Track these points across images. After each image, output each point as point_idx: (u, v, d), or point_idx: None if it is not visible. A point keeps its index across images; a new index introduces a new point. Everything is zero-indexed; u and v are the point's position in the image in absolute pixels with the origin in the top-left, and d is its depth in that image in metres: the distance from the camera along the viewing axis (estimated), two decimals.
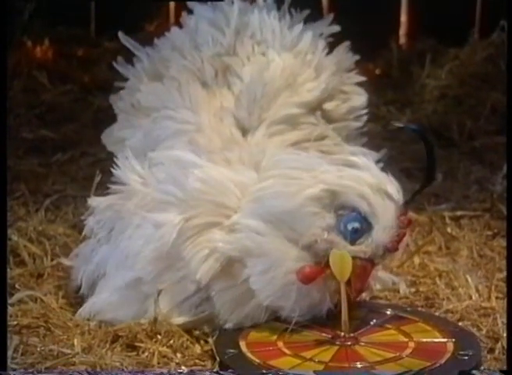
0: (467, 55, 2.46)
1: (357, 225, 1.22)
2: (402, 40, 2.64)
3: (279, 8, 1.49)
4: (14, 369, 1.15)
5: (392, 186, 1.25)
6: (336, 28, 1.50)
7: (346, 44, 1.51)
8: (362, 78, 1.51)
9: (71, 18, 2.66)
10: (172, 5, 2.69)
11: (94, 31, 2.73)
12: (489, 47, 2.47)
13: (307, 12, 1.49)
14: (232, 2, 1.47)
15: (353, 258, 1.21)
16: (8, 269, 1.50)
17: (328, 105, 1.44)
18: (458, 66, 2.42)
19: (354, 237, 1.22)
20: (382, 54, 2.56)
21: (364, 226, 1.22)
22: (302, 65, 1.43)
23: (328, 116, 1.44)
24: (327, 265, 1.22)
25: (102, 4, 2.70)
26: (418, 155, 2.05)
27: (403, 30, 2.64)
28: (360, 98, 1.49)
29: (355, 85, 1.50)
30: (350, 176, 1.23)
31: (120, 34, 1.49)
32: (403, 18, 2.64)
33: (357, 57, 1.52)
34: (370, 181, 1.23)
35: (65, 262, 1.47)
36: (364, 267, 1.23)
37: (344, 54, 1.50)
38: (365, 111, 1.50)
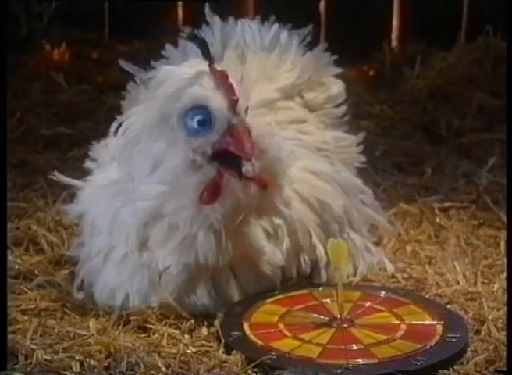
0: (455, 57, 2.45)
1: (199, 116, 1.19)
2: (394, 43, 2.63)
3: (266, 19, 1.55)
4: (14, 369, 1.14)
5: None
6: (309, 28, 1.56)
7: (324, 44, 1.58)
8: (339, 70, 1.58)
9: (86, 23, 2.65)
10: (180, 11, 2.68)
11: (108, 35, 2.72)
12: (475, 50, 2.47)
13: (289, 24, 1.55)
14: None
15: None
16: (28, 257, 1.50)
17: (308, 95, 1.51)
18: (446, 67, 2.41)
19: (204, 126, 1.19)
20: (376, 56, 2.55)
21: (205, 112, 1.19)
22: (279, 60, 1.51)
23: (309, 104, 1.51)
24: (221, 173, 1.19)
25: (115, 10, 2.70)
26: (410, 151, 2.05)
27: (395, 34, 2.63)
28: (337, 88, 1.55)
29: (333, 77, 1.56)
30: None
31: (121, 62, 1.51)
32: (395, 23, 2.63)
33: (335, 55, 1.57)
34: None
35: (69, 253, 1.47)
36: (238, 132, 1.18)
37: (322, 52, 1.57)
38: (343, 99, 1.55)
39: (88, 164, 1.42)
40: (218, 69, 1.19)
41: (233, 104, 1.18)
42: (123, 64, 1.50)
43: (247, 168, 1.19)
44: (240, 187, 1.19)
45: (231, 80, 1.19)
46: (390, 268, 1.46)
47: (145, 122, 1.25)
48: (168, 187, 1.22)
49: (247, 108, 1.21)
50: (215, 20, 1.54)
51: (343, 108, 1.54)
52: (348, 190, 1.44)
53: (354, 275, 1.42)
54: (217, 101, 1.18)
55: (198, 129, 1.20)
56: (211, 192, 1.20)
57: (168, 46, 1.55)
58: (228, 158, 1.19)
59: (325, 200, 1.37)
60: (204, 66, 1.20)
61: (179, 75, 1.22)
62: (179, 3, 2.67)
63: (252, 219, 1.26)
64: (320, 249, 1.35)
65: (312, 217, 1.36)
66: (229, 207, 1.20)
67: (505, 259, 1.48)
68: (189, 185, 1.20)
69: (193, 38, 1.20)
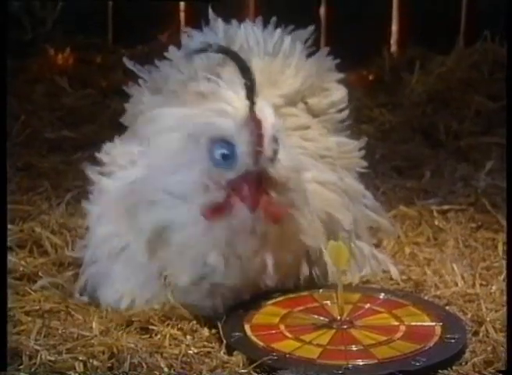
0: (453, 61, 2.45)
1: (224, 150, 1.21)
2: (393, 48, 2.63)
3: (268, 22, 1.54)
4: (18, 370, 1.14)
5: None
6: (311, 29, 1.55)
7: (326, 49, 1.56)
8: (341, 75, 1.56)
9: (90, 27, 2.65)
10: (182, 15, 2.68)
11: (111, 40, 2.72)
12: (474, 54, 2.46)
13: (291, 26, 1.54)
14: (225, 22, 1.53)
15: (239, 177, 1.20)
16: (32, 259, 1.50)
17: (311, 101, 1.50)
18: (445, 71, 2.41)
19: (226, 161, 1.21)
20: (375, 61, 2.55)
21: (230, 149, 1.20)
22: (283, 65, 1.49)
23: (312, 110, 1.50)
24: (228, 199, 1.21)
25: (119, 15, 2.70)
26: (409, 154, 2.05)
27: (394, 39, 2.63)
28: (340, 93, 1.54)
29: (335, 82, 1.55)
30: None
31: (125, 59, 1.51)
32: (395, 28, 2.63)
33: (338, 59, 1.56)
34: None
35: (73, 254, 1.47)
36: (252, 182, 1.20)
37: (324, 56, 1.56)
38: (346, 104, 1.54)
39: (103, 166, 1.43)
40: (257, 116, 1.20)
41: (258, 154, 1.19)
42: (128, 63, 1.51)
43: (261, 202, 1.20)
44: (248, 214, 1.20)
45: (264, 130, 1.20)
46: (396, 274, 1.45)
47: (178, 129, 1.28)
48: (177, 201, 1.24)
49: (275, 154, 1.21)
50: (219, 23, 1.53)
51: (345, 113, 1.54)
52: (352, 196, 1.44)
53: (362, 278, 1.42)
54: (245, 144, 1.19)
55: (220, 161, 1.21)
56: (215, 210, 1.22)
57: (171, 48, 1.54)
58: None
59: (335, 215, 1.37)
60: (243, 106, 1.21)
61: (218, 107, 1.24)
62: (182, 8, 2.67)
63: (270, 251, 1.25)
64: (331, 266, 1.34)
65: (322, 231, 1.35)
66: (233, 230, 1.21)
67: (504, 261, 1.49)
68: (196, 202, 1.22)
69: (245, 74, 1.21)
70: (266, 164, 1.20)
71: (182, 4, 2.68)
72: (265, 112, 1.21)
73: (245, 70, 1.21)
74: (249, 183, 1.20)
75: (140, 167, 1.34)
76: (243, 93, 1.21)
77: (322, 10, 2.60)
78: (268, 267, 1.25)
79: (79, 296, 1.35)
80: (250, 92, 1.20)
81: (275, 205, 1.22)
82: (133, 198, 1.30)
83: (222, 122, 1.22)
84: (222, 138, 1.21)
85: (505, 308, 1.29)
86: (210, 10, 1.55)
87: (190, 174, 1.24)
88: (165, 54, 1.54)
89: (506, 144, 1.46)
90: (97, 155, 1.44)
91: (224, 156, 1.21)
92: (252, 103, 1.20)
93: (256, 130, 1.19)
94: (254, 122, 1.20)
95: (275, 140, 1.21)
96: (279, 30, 1.52)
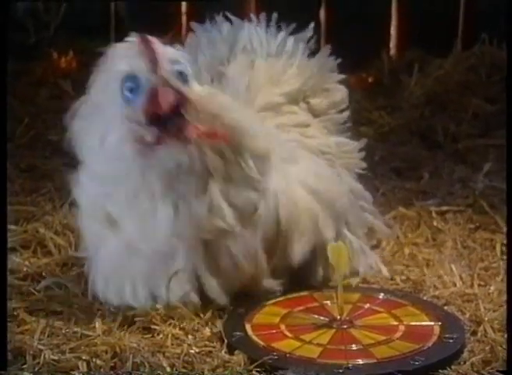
0: (451, 64, 2.44)
1: (129, 84, 1.20)
2: (392, 51, 2.63)
3: (269, 22, 1.53)
4: (22, 369, 1.14)
5: None
6: (311, 32, 1.54)
7: (328, 48, 1.55)
8: (342, 76, 1.55)
9: (93, 31, 2.65)
10: (184, 18, 2.68)
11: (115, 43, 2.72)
12: (471, 57, 2.46)
13: (293, 25, 1.53)
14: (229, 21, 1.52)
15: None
16: (36, 259, 1.50)
17: (312, 101, 1.50)
18: (443, 74, 2.40)
19: (136, 93, 1.19)
20: (374, 63, 2.55)
21: (135, 81, 1.20)
22: (285, 66, 1.49)
23: (314, 110, 1.49)
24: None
25: (121, 19, 2.70)
26: (407, 156, 2.05)
27: (393, 42, 2.63)
28: (340, 94, 1.54)
29: (336, 83, 1.54)
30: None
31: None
32: (393, 31, 2.63)
33: (339, 60, 1.55)
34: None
35: (77, 254, 1.46)
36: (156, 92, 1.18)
37: (326, 57, 1.55)
38: (346, 105, 1.54)
39: None
40: (143, 36, 1.20)
41: (153, 65, 1.18)
42: None
43: (189, 129, 1.17)
44: (178, 146, 1.18)
45: (154, 44, 1.20)
46: (385, 271, 1.45)
47: (91, 100, 1.28)
48: (114, 162, 1.22)
49: (184, 77, 1.20)
50: (224, 22, 1.53)
51: (346, 114, 1.53)
52: (348, 195, 1.43)
53: (353, 276, 1.41)
54: (140, 66, 1.19)
55: (131, 97, 1.20)
56: (145, 147, 1.19)
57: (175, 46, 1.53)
58: (169, 123, 1.18)
59: (331, 188, 1.36)
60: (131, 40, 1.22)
61: (115, 49, 1.25)
62: (184, 11, 2.67)
63: (216, 189, 1.22)
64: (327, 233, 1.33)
65: (319, 207, 1.34)
66: (167, 167, 1.19)
67: (502, 262, 1.49)
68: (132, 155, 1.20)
69: None
70: (168, 74, 1.18)
71: (184, 6, 2.68)
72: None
73: None
74: (159, 94, 1.16)
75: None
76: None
77: (322, 13, 2.60)
78: (223, 208, 1.22)
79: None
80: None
81: (206, 127, 1.18)
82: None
83: (119, 61, 1.22)
84: (124, 74, 1.20)
85: (505, 308, 1.28)
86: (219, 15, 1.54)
87: (117, 130, 1.21)
88: None
89: (506, 145, 1.46)
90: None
91: (131, 89, 1.20)
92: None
93: (146, 45, 1.19)
94: (141, 40, 1.20)
95: (175, 61, 1.20)
96: (282, 32, 1.52)
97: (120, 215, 1.26)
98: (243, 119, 1.25)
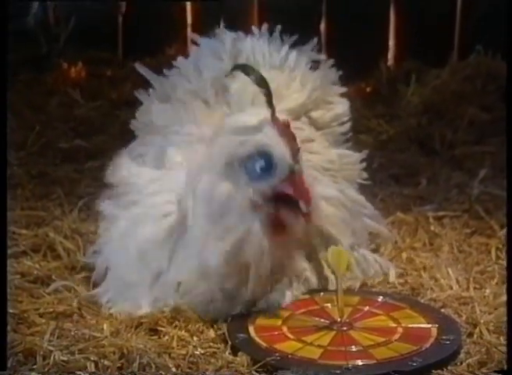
0: (448, 75, 2.45)
1: (261, 163, 1.21)
2: (390, 61, 2.63)
3: (271, 35, 1.52)
4: (32, 370, 1.14)
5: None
6: (314, 43, 1.53)
7: (330, 61, 1.53)
8: (344, 89, 1.54)
9: (101, 43, 2.66)
10: (189, 30, 2.69)
11: (121, 54, 2.72)
12: (467, 68, 2.46)
13: (295, 37, 1.52)
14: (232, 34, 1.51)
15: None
16: (46, 262, 1.49)
17: (315, 114, 1.48)
18: (440, 84, 2.41)
19: (265, 172, 1.21)
20: (373, 74, 2.55)
21: (267, 159, 1.20)
22: (288, 79, 1.47)
23: (316, 123, 1.48)
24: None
25: (128, 31, 2.70)
26: (405, 163, 2.05)
27: (391, 53, 2.63)
28: (342, 107, 1.52)
29: (338, 95, 1.53)
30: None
31: (137, 65, 1.50)
32: (391, 42, 2.63)
33: (340, 72, 1.54)
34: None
35: (84, 259, 1.46)
36: (296, 179, 1.20)
37: (328, 69, 1.53)
38: (348, 117, 1.52)
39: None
40: (280, 118, 1.21)
41: (295, 152, 1.19)
42: (140, 68, 1.50)
43: (302, 207, 1.20)
44: (299, 223, 1.21)
45: (292, 129, 1.20)
46: (393, 276, 1.44)
47: (207, 166, 1.25)
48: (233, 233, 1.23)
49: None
50: (227, 34, 1.51)
51: (348, 126, 1.52)
52: (353, 208, 1.42)
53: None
54: (280, 149, 1.20)
55: (260, 174, 1.21)
56: (277, 227, 1.22)
57: (179, 58, 1.52)
58: (286, 201, 1.21)
59: (335, 236, 1.36)
60: (264, 114, 1.21)
61: (243, 123, 1.24)
62: (189, 23, 2.68)
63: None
64: (332, 280, 1.34)
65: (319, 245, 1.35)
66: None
67: (499, 265, 1.48)
68: (251, 222, 1.22)
69: (261, 84, 1.22)
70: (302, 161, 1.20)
71: (189, 18, 2.69)
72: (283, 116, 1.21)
73: (262, 81, 1.22)
74: (296, 182, 1.19)
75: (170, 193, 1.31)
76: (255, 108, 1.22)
77: (323, 26, 2.60)
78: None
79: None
80: (270, 100, 1.21)
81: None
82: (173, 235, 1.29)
83: (253, 138, 1.21)
84: (259, 151, 1.20)
85: (505, 310, 1.28)
86: (221, 23, 1.53)
87: (237, 200, 1.22)
88: (174, 63, 1.52)
89: (506, 146, 1.45)
90: (109, 179, 1.38)
91: (263, 168, 1.21)
92: (273, 110, 1.20)
93: (285, 129, 1.20)
94: (280, 123, 1.20)
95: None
96: (285, 46, 1.50)
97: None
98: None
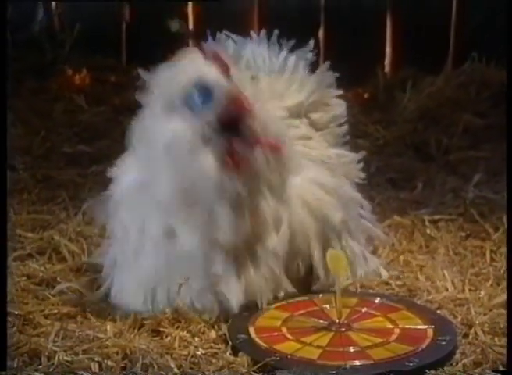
0: (443, 82, 2.44)
1: (200, 92, 1.20)
2: (387, 68, 2.62)
3: (270, 39, 1.52)
4: (37, 370, 1.13)
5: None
6: (311, 53, 1.54)
7: (327, 64, 1.54)
8: (340, 92, 1.54)
9: (105, 50, 2.66)
10: (192, 38, 2.69)
11: (125, 61, 2.72)
12: (461, 75, 2.46)
13: (292, 41, 1.52)
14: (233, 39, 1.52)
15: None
16: (51, 265, 1.49)
17: (314, 116, 1.48)
18: (435, 91, 2.40)
19: (206, 102, 1.19)
20: (370, 80, 2.55)
21: (204, 90, 1.19)
22: (288, 82, 1.48)
23: (315, 124, 1.48)
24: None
25: (132, 38, 2.70)
26: (402, 167, 2.05)
27: (388, 61, 2.63)
28: (339, 108, 1.53)
29: (335, 97, 1.53)
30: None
31: (140, 71, 1.50)
32: (388, 50, 2.63)
33: (337, 75, 1.54)
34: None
35: (91, 260, 1.46)
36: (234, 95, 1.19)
37: (325, 72, 1.54)
38: (345, 119, 1.53)
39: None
40: (211, 46, 1.21)
41: (226, 71, 1.18)
42: (143, 74, 1.49)
43: (251, 132, 1.18)
44: (254, 154, 1.18)
45: (220, 52, 1.20)
46: (385, 274, 1.44)
47: (152, 113, 1.25)
48: (182, 166, 1.20)
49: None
50: (229, 40, 1.52)
51: (345, 127, 1.52)
52: (348, 203, 1.42)
53: (353, 279, 1.40)
54: (212, 74, 1.19)
55: (201, 105, 1.20)
56: (233, 160, 1.18)
57: None
58: (236, 129, 1.18)
59: (326, 213, 1.36)
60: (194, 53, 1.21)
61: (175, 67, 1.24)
62: (192, 29, 2.68)
63: (264, 193, 1.24)
64: (317, 256, 1.33)
65: (312, 224, 1.34)
66: (249, 176, 1.19)
67: (493, 267, 1.48)
68: (204, 158, 1.19)
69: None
70: (235, 79, 1.18)
71: (191, 25, 2.69)
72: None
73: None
74: (235, 98, 1.17)
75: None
76: None
77: (321, 34, 2.60)
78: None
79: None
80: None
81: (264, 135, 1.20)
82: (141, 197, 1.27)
83: (185, 72, 1.21)
84: (193, 82, 1.20)
85: (505, 311, 1.28)
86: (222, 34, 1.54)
87: (185, 137, 1.20)
88: None
89: (506, 149, 1.44)
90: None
91: (202, 97, 1.20)
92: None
93: (213, 54, 1.19)
94: (207, 51, 1.21)
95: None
96: (284, 50, 1.51)
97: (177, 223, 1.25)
98: (283, 130, 1.24)
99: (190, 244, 1.24)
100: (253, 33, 1.54)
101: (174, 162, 1.22)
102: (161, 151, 1.23)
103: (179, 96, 1.21)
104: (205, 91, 1.20)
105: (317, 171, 1.39)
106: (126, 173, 1.33)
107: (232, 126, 1.19)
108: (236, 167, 1.19)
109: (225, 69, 1.19)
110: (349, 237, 1.41)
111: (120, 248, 1.33)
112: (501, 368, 1.15)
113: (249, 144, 1.19)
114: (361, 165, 1.52)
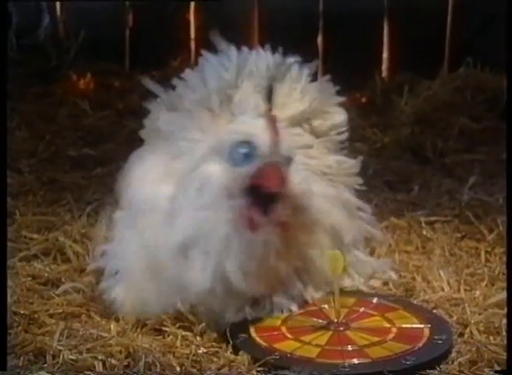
0: (439, 86, 2.44)
1: (244, 149, 1.20)
2: (384, 73, 2.63)
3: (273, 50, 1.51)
4: (42, 369, 1.13)
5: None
6: (316, 63, 1.53)
7: (327, 77, 1.53)
8: (341, 99, 1.53)
9: (109, 55, 2.66)
10: (193, 44, 2.69)
11: (128, 66, 2.72)
12: (457, 80, 2.46)
13: (296, 54, 1.51)
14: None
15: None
16: (56, 265, 1.49)
17: (314, 123, 1.47)
18: (431, 95, 2.40)
19: (247, 159, 1.19)
20: (368, 84, 2.55)
21: (251, 148, 1.19)
22: (290, 90, 1.46)
23: (315, 131, 1.47)
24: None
25: (135, 44, 2.70)
26: (399, 170, 2.05)
27: (385, 65, 2.63)
28: (340, 116, 1.51)
29: (336, 106, 1.52)
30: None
31: (143, 80, 1.50)
32: (385, 55, 2.63)
33: (337, 87, 1.53)
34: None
35: (94, 264, 1.45)
36: (269, 170, 1.18)
37: (325, 83, 1.53)
38: (345, 127, 1.52)
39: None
40: (271, 113, 1.20)
41: (276, 144, 1.18)
42: (147, 83, 1.50)
43: (276, 211, 1.18)
44: (264, 225, 1.18)
45: (279, 124, 1.20)
46: (394, 277, 1.44)
47: (198, 153, 1.26)
48: (205, 212, 1.21)
49: (291, 158, 1.21)
50: (232, 49, 1.50)
51: (345, 135, 1.51)
52: (350, 210, 1.42)
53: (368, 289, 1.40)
54: (262, 138, 1.19)
55: (241, 162, 1.20)
56: (248, 223, 1.18)
57: (187, 70, 1.52)
58: (261, 198, 1.18)
59: (339, 229, 1.36)
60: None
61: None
62: (193, 36, 2.68)
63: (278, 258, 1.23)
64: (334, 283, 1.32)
65: (327, 243, 1.33)
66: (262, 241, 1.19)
67: (488, 267, 1.48)
68: (222, 209, 1.20)
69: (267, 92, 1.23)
70: (283, 155, 1.18)
71: (193, 32, 2.69)
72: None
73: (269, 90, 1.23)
74: (269, 171, 1.17)
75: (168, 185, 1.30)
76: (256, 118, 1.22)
77: (320, 39, 2.61)
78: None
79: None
80: (269, 97, 1.21)
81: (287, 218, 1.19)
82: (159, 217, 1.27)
83: (239, 127, 1.23)
84: (242, 138, 1.20)
85: (504, 311, 1.28)
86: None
87: (216, 184, 1.21)
88: (182, 75, 1.52)
89: (506, 150, 1.44)
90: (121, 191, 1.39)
91: (245, 155, 1.19)
92: (270, 106, 1.20)
93: (272, 122, 1.19)
94: (268, 116, 1.20)
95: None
96: (288, 59, 1.49)
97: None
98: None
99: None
100: (256, 44, 1.53)
101: (200, 199, 1.22)
102: (193, 185, 1.23)
103: (226, 144, 1.22)
104: (250, 152, 1.20)
105: (319, 184, 1.38)
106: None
107: (259, 196, 1.19)
108: (249, 229, 1.19)
109: (275, 139, 1.18)
110: (356, 250, 1.41)
111: (123, 259, 1.32)
112: (496, 367, 1.15)
113: (268, 218, 1.18)
114: (358, 170, 1.51)
